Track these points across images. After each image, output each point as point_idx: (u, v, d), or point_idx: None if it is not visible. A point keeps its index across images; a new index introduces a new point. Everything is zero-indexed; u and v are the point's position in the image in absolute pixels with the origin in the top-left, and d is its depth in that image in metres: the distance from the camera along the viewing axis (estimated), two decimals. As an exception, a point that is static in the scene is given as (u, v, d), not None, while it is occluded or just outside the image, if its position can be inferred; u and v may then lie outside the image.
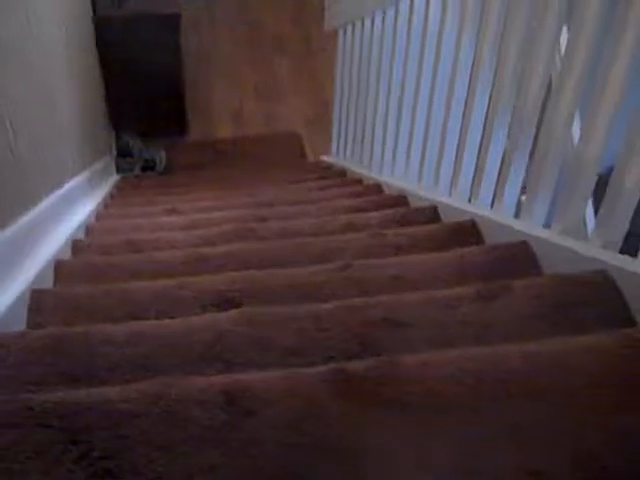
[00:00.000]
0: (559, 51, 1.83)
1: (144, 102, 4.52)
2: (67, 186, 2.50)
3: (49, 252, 1.92)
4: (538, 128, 1.80)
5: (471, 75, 2.14)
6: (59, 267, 1.88)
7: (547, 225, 1.77)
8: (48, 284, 1.80)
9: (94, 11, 4.08)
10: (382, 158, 3.11)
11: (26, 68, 1.99)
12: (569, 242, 1.60)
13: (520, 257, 1.72)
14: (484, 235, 2.00)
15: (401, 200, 2.64)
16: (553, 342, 1.18)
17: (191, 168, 4.53)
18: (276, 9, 5.38)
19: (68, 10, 3.08)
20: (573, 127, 1.71)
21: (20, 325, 1.51)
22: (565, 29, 1.76)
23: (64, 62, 2.77)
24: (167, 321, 1.39)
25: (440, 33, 2.32)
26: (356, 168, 3.55)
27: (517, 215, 1.95)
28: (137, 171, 4.53)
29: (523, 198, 1.94)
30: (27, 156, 1.91)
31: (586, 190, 1.61)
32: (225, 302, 1.57)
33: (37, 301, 1.58)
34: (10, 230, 1.67)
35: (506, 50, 1.91)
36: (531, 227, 1.79)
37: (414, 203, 2.56)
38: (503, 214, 1.96)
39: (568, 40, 1.62)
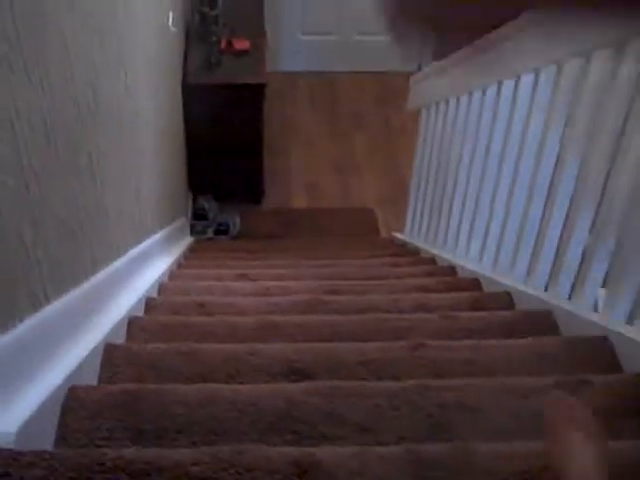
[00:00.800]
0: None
1: (223, 167, 4.61)
2: (144, 244, 2.54)
3: (124, 308, 1.94)
4: (624, 221, 1.76)
5: (555, 164, 2.13)
6: (132, 323, 1.90)
7: (629, 321, 1.72)
8: (121, 340, 1.81)
9: (184, 76, 4.21)
10: (457, 240, 3.09)
11: (118, 126, 2.05)
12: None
13: (599, 352, 1.67)
14: (560, 326, 1.96)
15: (474, 283, 2.61)
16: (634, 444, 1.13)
17: (264, 235, 4.58)
18: (358, 86, 5.47)
19: (161, 76, 3.19)
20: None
21: (93, 378, 1.52)
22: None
23: (153, 124, 2.85)
24: (238, 386, 1.38)
25: (526, 122, 2.32)
26: (430, 248, 3.53)
27: (595, 309, 1.91)
28: (210, 234, 4.60)
29: (602, 291, 1.90)
30: (111, 211, 1.96)
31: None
32: (295, 372, 1.56)
33: (110, 355, 1.59)
34: (90, 282, 1.70)
35: (594, 141, 1.89)
36: (611, 322, 1.74)
37: (487, 287, 2.53)
38: (582, 306, 1.91)
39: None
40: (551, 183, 2.15)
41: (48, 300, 1.37)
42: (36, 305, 1.31)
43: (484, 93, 2.75)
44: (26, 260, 1.25)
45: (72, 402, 1.29)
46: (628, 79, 1.74)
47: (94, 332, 1.63)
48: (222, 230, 4.65)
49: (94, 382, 1.51)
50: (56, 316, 1.40)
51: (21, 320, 1.23)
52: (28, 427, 1.12)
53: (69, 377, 1.34)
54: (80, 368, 1.41)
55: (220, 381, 1.51)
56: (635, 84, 1.73)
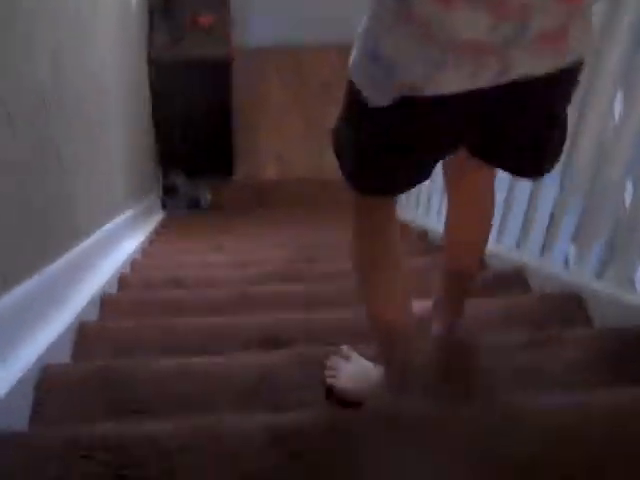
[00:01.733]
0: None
1: (192, 142, 4.58)
2: (115, 221, 2.52)
3: (96, 286, 1.93)
4: (590, 177, 1.77)
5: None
6: (105, 301, 1.89)
7: (599, 276, 1.73)
8: (94, 317, 1.80)
9: (149, 53, 4.17)
10: (428, 203, 3.09)
11: (82, 107, 2.02)
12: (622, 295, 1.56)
13: (570, 307, 1.69)
14: (531, 283, 1.97)
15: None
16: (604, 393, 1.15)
17: (236, 208, 4.56)
18: (325, 58, 5.41)
19: (125, 53, 3.15)
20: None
21: (66, 357, 1.51)
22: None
23: (117, 101, 2.82)
24: (214, 358, 1.38)
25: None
26: (400, 214, 3.53)
27: (567, 264, 1.92)
28: (182, 209, 4.58)
29: (573, 247, 1.91)
30: (79, 192, 1.94)
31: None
32: (270, 342, 1.56)
33: (83, 333, 1.59)
34: (59, 263, 1.68)
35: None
36: (582, 277, 1.75)
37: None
38: (553, 262, 1.92)
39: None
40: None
41: (17, 281, 1.36)
42: (5, 286, 1.29)
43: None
44: (-8, 241, 1.24)
45: (46, 381, 1.28)
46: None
47: (66, 311, 1.62)
48: (194, 204, 4.63)
49: (67, 360, 1.51)
50: (26, 296, 1.38)
51: (-11, 302, 1.22)
52: (1, 407, 1.11)
53: (42, 356, 1.33)
54: (53, 347, 1.41)
55: (195, 354, 1.50)
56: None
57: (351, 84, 1.04)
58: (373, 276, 1.22)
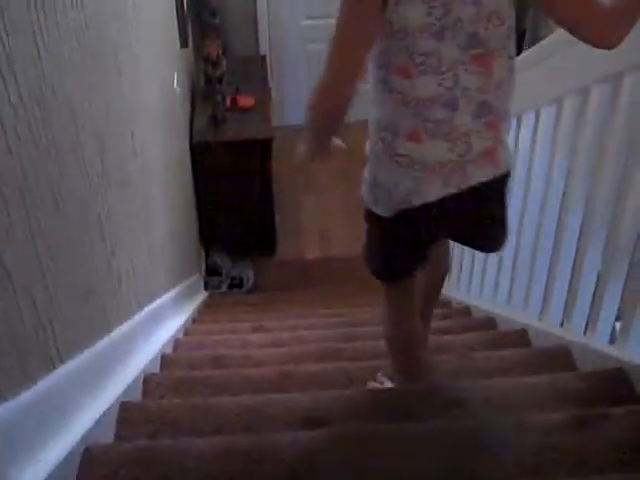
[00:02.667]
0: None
1: (234, 222, 4.64)
2: (158, 301, 2.55)
3: (139, 365, 1.94)
4: (634, 252, 1.76)
5: (563, 198, 2.13)
6: (148, 380, 1.90)
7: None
8: (136, 397, 1.81)
9: (191, 135, 4.27)
10: (470, 280, 3.08)
11: (126, 187, 2.07)
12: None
13: (616, 384, 1.66)
14: (576, 361, 1.94)
15: (490, 323, 2.60)
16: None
17: (278, 288, 4.58)
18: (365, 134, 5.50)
19: (168, 135, 3.23)
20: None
21: (108, 436, 1.51)
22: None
23: (162, 184, 2.89)
24: (254, 437, 1.38)
25: (531, 155, 2.33)
26: (444, 291, 3.52)
27: (612, 341, 1.89)
28: (224, 289, 4.60)
29: (618, 324, 1.89)
30: (123, 271, 1.97)
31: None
32: (311, 421, 1.55)
33: (125, 413, 1.59)
34: (102, 343, 1.70)
35: (600, 175, 1.90)
36: (628, 354, 1.73)
37: (503, 326, 2.51)
38: (597, 340, 1.90)
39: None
40: (559, 217, 2.15)
41: (62, 361, 1.37)
42: (49, 366, 1.31)
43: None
44: (38, 322, 1.26)
45: (88, 462, 1.29)
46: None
47: (109, 391, 1.63)
48: (236, 284, 4.65)
49: (110, 441, 1.51)
50: (70, 377, 1.40)
51: (34, 382, 1.23)
52: (45, 488, 1.12)
53: (84, 437, 1.34)
54: (95, 427, 1.41)
55: (237, 433, 1.50)
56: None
57: (366, 205, 1.52)
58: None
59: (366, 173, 1.50)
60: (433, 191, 1.38)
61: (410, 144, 1.34)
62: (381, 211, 1.46)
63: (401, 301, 1.70)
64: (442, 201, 1.39)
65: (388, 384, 1.87)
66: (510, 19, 1.30)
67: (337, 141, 1.59)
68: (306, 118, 1.43)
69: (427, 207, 1.40)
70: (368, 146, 1.48)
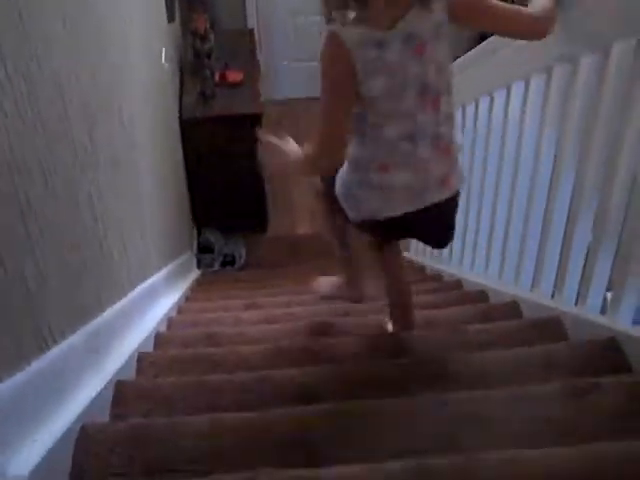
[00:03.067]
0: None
1: (226, 199, 4.63)
2: (151, 279, 2.55)
3: (133, 344, 1.94)
4: (624, 223, 1.77)
5: (553, 168, 2.13)
6: (142, 359, 1.91)
7: (636, 321, 1.72)
8: (131, 376, 1.82)
9: (180, 110, 4.25)
10: (462, 254, 3.09)
11: (116, 163, 2.07)
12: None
13: (608, 354, 1.67)
14: (568, 331, 1.95)
15: (481, 296, 2.61)
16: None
17: (271, 264, 4.58)
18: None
19: (157, 110, 3.21)
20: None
21: (104, 415, 1.52)
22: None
23: (151, 161, 2.87)
24: (247, 415, 1.39)
25: (521, 127, 2.33)
26: (435, 264, 3.54)
27: (603, 311, 1.90)
28: (217, 266, 4.61)
29: (609, 294, 1.90)
30: (115, 250, 1.97)
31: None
32: (305, 396, 1.56)
33: (120, 392, 1.60)
34: (96, 322, 1.70)
35: (590, 143, 1.90)
36: (619, 323, 1.74)
37: (494, 299, 2.52)
38: (589, 310, 1.91)
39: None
40: (549, 190, 2.15)
41: (55, 341, 1.38)
42: (43, 347, 1.31)
43: (477, 105, 2.76)
44: (30, 302, 1.26)
45: (84, 441, 1.29)
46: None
47: (103, 370, 1.63)
48: (228, 261, 4.65)
49: (105, 419, 1.52)
50: (64, 356, 1.40)
51: (28, 362, 1.24)
52: (41, 469, 1.12)
53: (80, 416, 1.34)
54: (91, 406, 1.42)
55: (230, 411, 1.51)
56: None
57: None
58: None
59: (341, 182, 1.82)
60: (397, 208, 1.72)
61: (380, 173, 1.68)
62: (350, 215, 1.83)
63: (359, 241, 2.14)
64: (403, 215, 1.73)
65: (389, 326, 2.17)
66: (449, 64, 1.68)
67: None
68: (296, 169, 1.97)
69: (389, 219, 1.75)
70: (345, 169, 1.80)
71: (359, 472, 1.07)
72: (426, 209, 1.72)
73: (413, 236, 2.22)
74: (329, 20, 1.62)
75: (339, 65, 1.59)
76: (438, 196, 1.73)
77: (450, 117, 1.70)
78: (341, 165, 1.79)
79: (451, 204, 1.81)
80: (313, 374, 1.65)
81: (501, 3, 1.66)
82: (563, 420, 1.33)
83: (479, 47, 2.65)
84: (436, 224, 1.87)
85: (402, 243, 4.06)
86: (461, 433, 1.31)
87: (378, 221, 1.76)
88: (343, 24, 1.59)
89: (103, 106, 1.97)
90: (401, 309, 2.14)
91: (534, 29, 1.74)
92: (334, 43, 1.58)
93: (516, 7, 1.70)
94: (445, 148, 1.70)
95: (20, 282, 1.22)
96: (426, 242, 2.16)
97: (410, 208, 1.71)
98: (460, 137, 3.00)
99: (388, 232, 1.90)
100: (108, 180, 1.94)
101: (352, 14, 1.61)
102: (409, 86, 1.61)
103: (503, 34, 1.95)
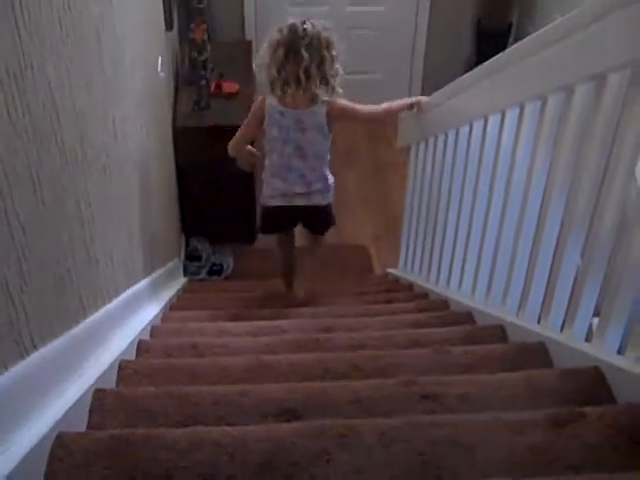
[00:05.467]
0: (635, 180, 1.81)
1: (215, 208, 4.62)
2: (136, 287, 2.54)
3: (115, 352, 1.93)
4: (613, 251, 1.77)
5: (544, 194, 2.13)
6: (123, 367, 1.89)
7: (621, 351, 1.72)
8: (111, 384, 1.80)
9: (174, 119, 4.25)
10: (449, 274, 3.09)
11: (106, 171, 2.06)
12: (643, 370, 1.54)
13: (592, 383, 1.66)
14: (553, 358, 1.95)
15: (467, 317, 2.61)
16: (629, 477, 1.12)
17: (257, 275, 4.56)
18: (349, 123, 5.50)
19: (151, 119, 3.21)
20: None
21: (81, 424, 1.50)
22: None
23: (143, 167, 2.86)
24: (228, 428, 1.37)
25: (514, 152, 2.33)
26: (423, 283, 3.53)
27: (588, 339, 1.90)
28: (203, 275, 4.59)
29: (595, 321, 1.89)
30: (101, 255, 1.96)
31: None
32: (286, 412, 1.55)
33: (99, 401, 1.58)
34: (78, 329, 1.69)
35: (581, 170, 1.90)
36: (604, 352, 1.73)
37: (480, 321, 2.52)
38: (574, 337, 1.91)
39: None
40: (540, 215, 2.15)
41: (35, 347, 1.36)
42: (22, 353, 1.30)
43: (471, 128, 2.77)
44: (12, 308, 1.25)
45: (60, 449, 1.28)
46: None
47: (83, 377, 1.62)
48: (215, 271, 4.64)
49: (83, 428, 1.50)
50: (43, 362, 1.39)
51: (6, 367, 1.22)
52: (14, 476, 1.11)
53: (57, 424, 1.33)
54: (68, 414, 1.40)
55: (210, 423, 1.49)
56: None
57: None
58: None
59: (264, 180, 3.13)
60: (278, 202, 3.07)
61: (273, 179, 3.04)
62: (261, 201, 3.22)
63: (279, 243, 3.45)
64: (282, 207, 3.07)
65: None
66: (322, 142, 2.97)
67: (251, 150, 3.21)
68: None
69: (276, 207, 3.10)
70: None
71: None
72: (292, 207, 3.06)
73: (295, 224, 3.26)
74: (269, 89, 2.85)
75: (258, 112, 2.94)
76: (300, 202, 3.04)
77: (314, 168, 2.98)
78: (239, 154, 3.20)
79: (313, 210, 3.09)
80: (295, 391, 1.64)
81: (361, 108, 3.03)
82: (546, 449, 1.32)
83: (475, 70, 2.66)
84: (306, 217, 3.16)
85: (387, 259, 4.13)
86: (442, 458, 1.30)
87: (270, 210, 3.14)
88: (272, 94, 2.85)
89: (96, 114, 1.96)
90: (289, 278, 3.52)
91: (383, 119, 3.62)
92: (261, 101, 2.93)
93: (371, 108, 3.12)
94: (307, 182, 2.99)
95: (2, 287, 1.20)
96: (308, 229, 3.31)
97: (281, 203, 3.05)
98: (451, 157, 3.01)
99: (276, 218, 3.18)
100: (98, 187, 1.93)
101: (278, 92, 2.82)
102: (289, 142, 2.91)
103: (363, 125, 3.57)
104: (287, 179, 2.97)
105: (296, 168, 2.94)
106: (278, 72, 2.78)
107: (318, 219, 3.18)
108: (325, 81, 2.79)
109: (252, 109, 2.98)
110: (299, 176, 2.95)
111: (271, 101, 2.85)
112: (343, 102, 2.90)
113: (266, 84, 2.85)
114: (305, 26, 2.75)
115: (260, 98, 2.92)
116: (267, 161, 3.03)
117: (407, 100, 3.29)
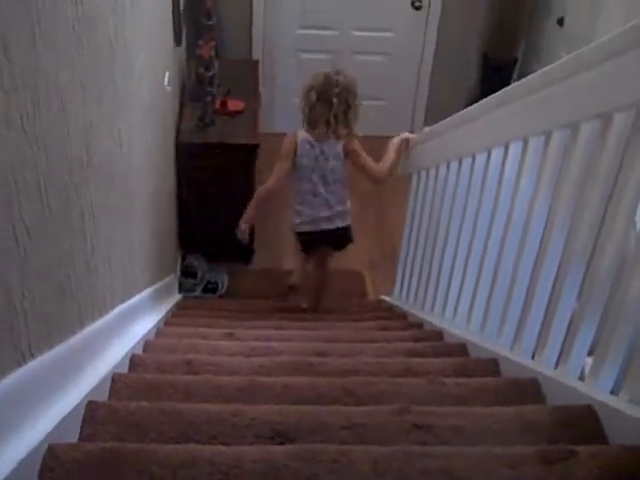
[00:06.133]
0: (635, 225, 1.82)
1: (213, 226, 4.61)
2: (132, 301, 2.54)
3: (108, 365, 1.92)
4: (611, 291, 1.77)
5: (545, 228, 2.14)
6: (116, 381, 1.88)
7: (614, 391, 1.72)
8: (104, 397, 1.79)
9: (178, 134, 4.26)
10: (444, 305, 3.09)
11: (110, 183, 2.06)
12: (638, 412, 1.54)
13: (584, 421, 1.66)
14: (546, 394, 1.95)
15: (461, 349, 2.61)
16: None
17: (252, 296, 4.57)
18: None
19: (156, 134, 3.22)
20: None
21: (73, 436, 1.50)
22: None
23: (145, 181, 2.87)
24: (221, 448, 1.37)
25: (516, 185, 2.34)
26: (417, 312, 3.53)
27: (582, 377, 1.90)
28: (198, 292, 4.59)
29: (589, 360, 1.90)
30: (100, 268, 1.96)
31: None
32: (279, 435, 1.54)
33: (91, 413, 1.58)
34: (74, 339, 1.69)
35: (582, 212, 1.91)
36: (597, 391, 1.73)
37: (474, 353, 2.52)
38: (568, 375, 1.91)
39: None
40: (539, 251, 2.16)
41: (32, 355, 1.36)
42: (20, 361, 1.30)
43: (473, 160, 2.78)
44: (12, 314, 1.25)
45: (51, 461, 1.27)
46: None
47: (77, 389, 1.61)
48: (210, 289, 4.64)
49: (75, 440, 1.49)
50: (40, 372, 1.39)
51: (4, 375, 1.22)
52: (6, 486, 1.10)
53: (48, 435, 1.32)
54: (60, 426, 1.40)
55: (203, 442, 1.49)
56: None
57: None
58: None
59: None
60: (307, 228, 3.63)
61: (301, 207, 3.60)
62: (292, 227, 3.78)
63: (309, 262, 4.07)
64: (308, 232, 3.65)
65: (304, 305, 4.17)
66: (342, 170, 3.57)
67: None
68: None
69: (305, 232, 3.68)
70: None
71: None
72: (320, 231, 3.63)
73: (319, 245, 3.77)
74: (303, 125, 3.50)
75: (292, 146, 3.50)
76: (325, 225, 3.61)
77: (335, 192, 3.57)
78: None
79: (336, 232, 3.66)
80: (288, 414, 1.63)
81: (366, 159, 3.60)
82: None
83: (480, 103, 2.68)
84: (330, 239, 3.71)
85: (382, 286, 4.16)
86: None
87: (299, 233, 3.72)
88: (303, 128, 3.50)
89: (104, 127, 1.97)
90: (315, 296, 4.11)
91: (376, 180, 3.72)
92: (293, 136, 3.52)
93: (373, 167, 3.62)
94: (330, 205, 3.56)
95: (4, 293, 1.21)
96: (327, 245, 3.78)
97: (309, 229, 3.64)
98: (452, 188, 3.03)
99: (310, 241, 3.75)
100: (101, 199, 1.93)
101: (307, 127, 3.48)
102: (316, 170, 3.51)
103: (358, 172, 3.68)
104: (314, 205, 3.55)
105: (321, 194, 3.53)
106: (310, 111, 3.42)
107: (340, 238, 3.72)
108: (348, 124, 3.43)
109: (285, 146, 3.51)
110: (324, 201, 3.54)
111: (302, 135, 3.49)
112: (357, 146, 3.55)
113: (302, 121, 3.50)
114: (338, 77, 3.36)
115: (292, 133, 3.53)
116: (297, 189, 3.60)
117: (396, 145, 3.74)
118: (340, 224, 3.63)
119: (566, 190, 2.01)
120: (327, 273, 4.03)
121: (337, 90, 3.34)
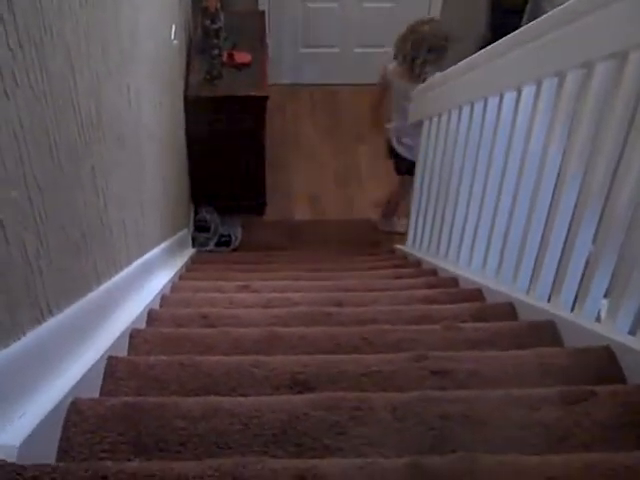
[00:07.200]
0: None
1: (225, 179, 4.62)
2: (147, 256, 2.54)
3: (126, 320, 1.93)
4: (628, 232, 1.76)
5: (559, 171, 2.12)
6: (134, 336, 1.90)
7: (632, 331, 1.72)
8: (123, 352, 1.81)
9: (186, 88, 4.23)
10: (459, 251, 3.09)
11: (120, 139, 2.05)
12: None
13: (602, 362, 1.67)
14: (563, 336, 1.95)
15: (477, 294, 2.61)
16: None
17: (266, 247, 4.57)
18: (360, 98, 5.48)
19: (164, 88, 3.19)
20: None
21: (95, 391, 1.51)
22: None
23: (155, 136, 2.86)
24: (241, 399, 1.38)
25: (528, 133, 2.31)
26: (432, 259, 3.53)
27: (598, 319, 1.90)
28: (212, 246, 4.60)
29: (604, 302, 1.89)
30: (114, 224, 1.96)
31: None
32: (298, 384, 1.55)
33: (112, 368, 1.59)
34: (92, 296, 1.69)
35: (597, 153, 1.89)
36: (615, 332, 1.73)
37: (490, 298, 2.52)
38: (585, 317, 1.91)
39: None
40: (554, 193, 2.14)
41: (51, 313, 1.37)
42: (39, 318, 1.31)
43: (486, 104, 2.75)
44: (29, 273, 1.25)
45: (74, 415, 1.28)
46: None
47: (96, 345, 1.63)
48: (224, 242, 4.65)
49: (96, 395, 1.51)
50: (59, 329, 1.39)
51: (24, 333, 1.23)
52: (31, 441, 1.12)
53: (71, 390, 1.33)
54: (82, 381, 1.41)
55: (222, 394, 1.50)
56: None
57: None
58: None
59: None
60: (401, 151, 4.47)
61: (398, 122, 4.34)
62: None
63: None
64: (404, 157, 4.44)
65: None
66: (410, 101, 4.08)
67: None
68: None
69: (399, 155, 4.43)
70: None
71: (351, 466, 1.06)
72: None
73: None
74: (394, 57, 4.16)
75: (383, 77, 4.25)
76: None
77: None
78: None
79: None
80: (307, 363, 1.64)
81: None
82: (557, 426, 1.33)
83: (491, 46, 2.63)
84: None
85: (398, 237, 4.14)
86: (454, 433, 1.30)
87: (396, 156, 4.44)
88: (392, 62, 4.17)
89: (111, 82, 1.95)
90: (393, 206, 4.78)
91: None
92: (383, 68, 4.25)
93: None
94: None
95: (21, 251, 1.21)
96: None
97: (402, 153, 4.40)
98: (465, 132, 3.00)
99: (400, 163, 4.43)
100: (112, 155, 1.92)
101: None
102: (401, 98, 4.09)
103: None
104: (405, 132, 4.32)
105: (406, 117, 4.17)
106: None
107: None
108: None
109: (380, 73, 4.35)
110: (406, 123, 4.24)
111: (391, 67, 4.22)
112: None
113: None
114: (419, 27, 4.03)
115: (383, 66, 4.33)
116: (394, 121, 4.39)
117: None
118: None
119: (581, 131, 1.98)
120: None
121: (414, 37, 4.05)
